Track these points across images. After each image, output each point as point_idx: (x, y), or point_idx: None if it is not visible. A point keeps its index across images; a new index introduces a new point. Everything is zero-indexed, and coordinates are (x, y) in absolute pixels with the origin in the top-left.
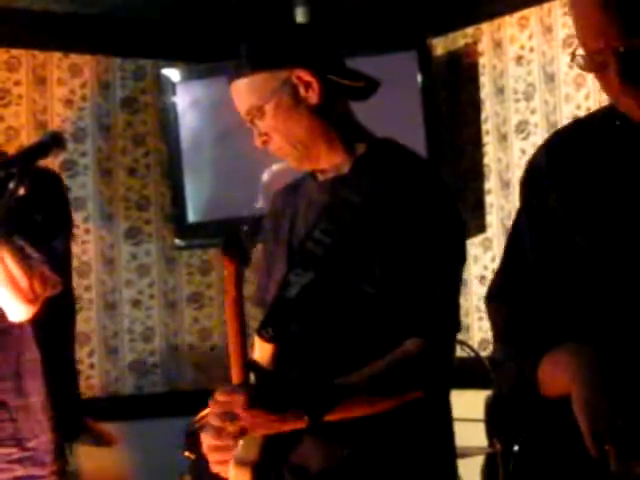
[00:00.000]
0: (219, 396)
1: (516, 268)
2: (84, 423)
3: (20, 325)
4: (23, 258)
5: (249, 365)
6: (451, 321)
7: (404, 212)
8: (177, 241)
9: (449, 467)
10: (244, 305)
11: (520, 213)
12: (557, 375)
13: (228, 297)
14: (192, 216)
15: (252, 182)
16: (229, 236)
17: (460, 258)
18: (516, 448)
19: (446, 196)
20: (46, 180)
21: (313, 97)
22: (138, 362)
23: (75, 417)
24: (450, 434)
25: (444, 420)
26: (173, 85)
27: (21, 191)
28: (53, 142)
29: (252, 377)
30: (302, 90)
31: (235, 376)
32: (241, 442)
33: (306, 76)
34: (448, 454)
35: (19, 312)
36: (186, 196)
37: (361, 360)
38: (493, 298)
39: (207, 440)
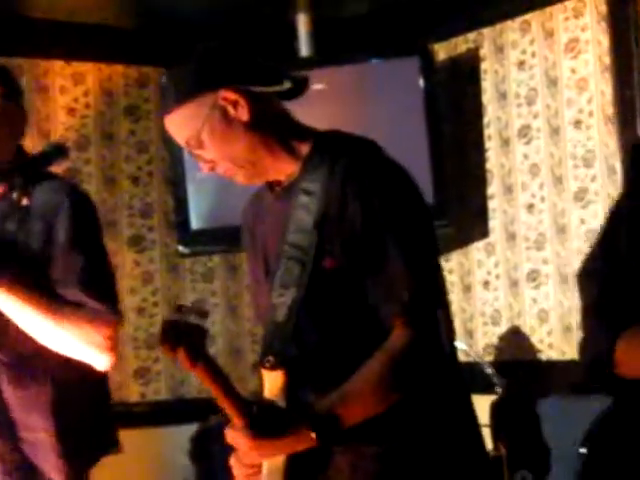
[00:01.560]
0: (229, 440)
1: (612, 248)
2: (115, 437)
3: (42, 355)
4: (81, 315)
5: (243, 405)
6: (434, 306)
7: (362, 202)
8: (180, 248)
9: (478, 466)
10: (213, 360)
11: (623, 196)
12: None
13: (196, 372)
14: (195, 223)
15: (254, 189)
16: (167, 327)
17: (432, 238)
18: (583, 450)
19: (399, 172)
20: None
21: (243, 114)
22: (142, 369)
23: (107, 435)
24: (475, 432)
25: (466, 418)
26: None
27: (24, 201)
28: (56, 152)
29: (254, 410)
30: (231, 110)
31: (236, 422)
32: (264, 470)
33: (230, 95)
34: (475, 453)
35: (103, 362)
36: (189, 203)
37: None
38: (588, 272)
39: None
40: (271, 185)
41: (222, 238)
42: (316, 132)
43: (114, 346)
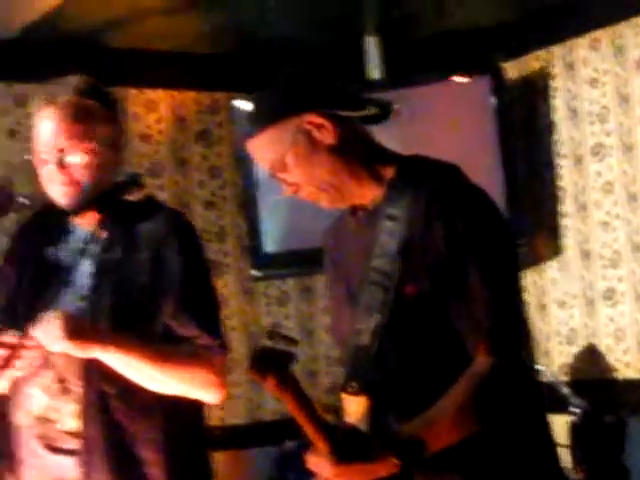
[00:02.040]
0: (311, 465)
1: None
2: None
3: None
4: (191, 358)
5: (327, 430)
6: (517, 332)
7: (446, 226)
8: (254, 272)
9: None
10: (299, 385)
11: None
12: None
13: (283, 398)
14: (269, 247)
15: (328, 212)
16: (257, 354)
17: (514, 263)
18: None
19: (482, 197)
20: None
21: (328, 138)
22: None
23: (208, 465)
24: (553, 456)
25: (544, 440)
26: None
27: (104, 234)
28: (132, 182)
29: (339, 435)
30: (316, 133)
31: (320, 447)
32: None
33: (316, 119)
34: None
35: (215, 398)
36: (262, 227)
37: (443, 386)
38: None
39: None
40: (354, 209)
41: (296, 261)
42: (400, 157)
43: (224, 380)
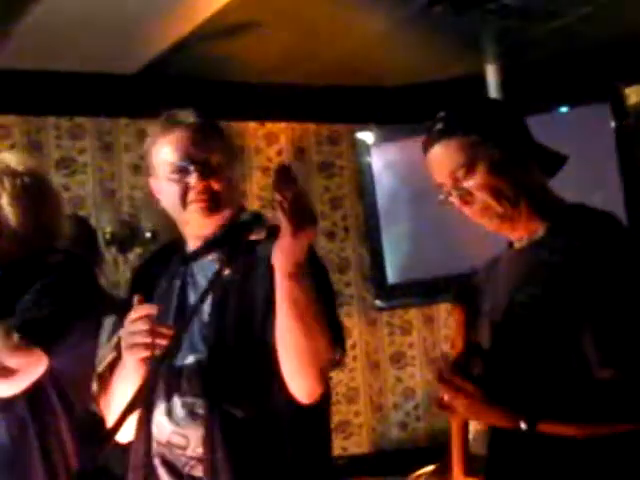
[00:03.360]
0: (457, 381)
1: None
2: None
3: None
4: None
5: (473, 349)
6: None
7: (606, 270)
8: (378, 302)
9: None
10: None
11: None
12: None
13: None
14: (392, 277)
15: (449, 242)
16: (460, 287)
17: None
18: None
19: (638, 245)
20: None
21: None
22: (343, 423)
23: None
24: None
25: None
26: (368, 148)
27: (226, 272)
28: (254, 221)
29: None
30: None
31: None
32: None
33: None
34: None
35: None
36: (385, 257)
37: None
38: None
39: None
40: (510, 244)
41: (418, 291)
42: (566, 203)
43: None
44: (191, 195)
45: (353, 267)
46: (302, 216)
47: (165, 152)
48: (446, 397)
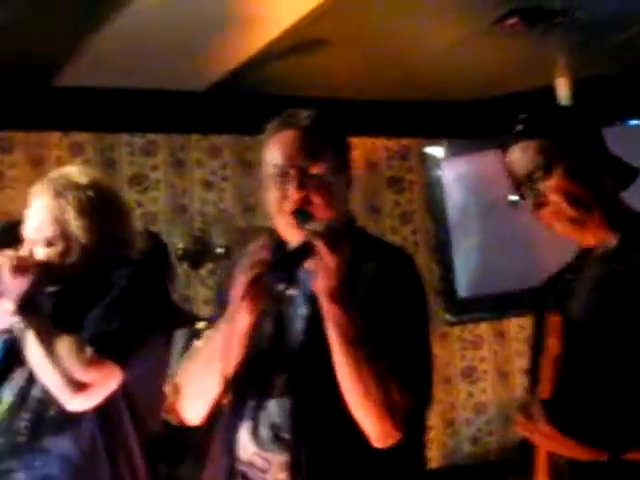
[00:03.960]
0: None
1: None
2: None
3: None
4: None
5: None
6: None
7: None
8: (448, 316)
9: None
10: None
11: None
12: None
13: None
14: (462, 291)
15: (519, 255)
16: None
17: None
18: None
19: None
20: None
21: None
22: None
23: None
24: None
25: None
26: (438, 162)
27: (290, 291)
28: (307, 250)
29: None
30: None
31: (543, 391)
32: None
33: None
34: None
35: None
36: (455, 271)
37: None
38: None
39: None
40: (581, 251)
41: (489, 305)
42: (635, 213)
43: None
44: (286, 204)
45: (424, 281)
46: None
47: (271, 152)
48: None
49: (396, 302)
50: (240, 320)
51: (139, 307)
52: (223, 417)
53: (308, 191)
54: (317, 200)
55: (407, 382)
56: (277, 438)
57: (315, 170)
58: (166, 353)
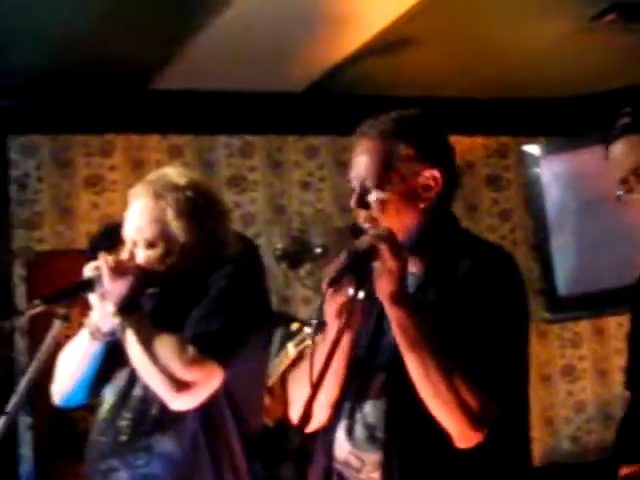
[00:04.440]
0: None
1: None
2: None
3: None
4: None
5: None
6: None
7: None
8: (547, 314)
9: None
10: None
11: None
12: None
13: None
14: (561, 289)
15: (619, 253)
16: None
17: None
18: None
19: None
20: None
21: None
22: None
23: None
24: None
25: None
26: (536, 160)
27: (361, 295)
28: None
29: None
30: None
31: None
32: None
33: None
34: None
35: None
36: (555, 269)
37: None
38: None
39: None
40: None
41: (589, 303)
42: None
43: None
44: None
45: (523, 280)
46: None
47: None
48: None
49: (489, 300)
50: (339, 339)
51: (239, 307)
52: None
53: (362, 208)
54: (378, 217)
55: (485, 383)
56: (372, 438)
57: (368, 184)
58: (265, 354)
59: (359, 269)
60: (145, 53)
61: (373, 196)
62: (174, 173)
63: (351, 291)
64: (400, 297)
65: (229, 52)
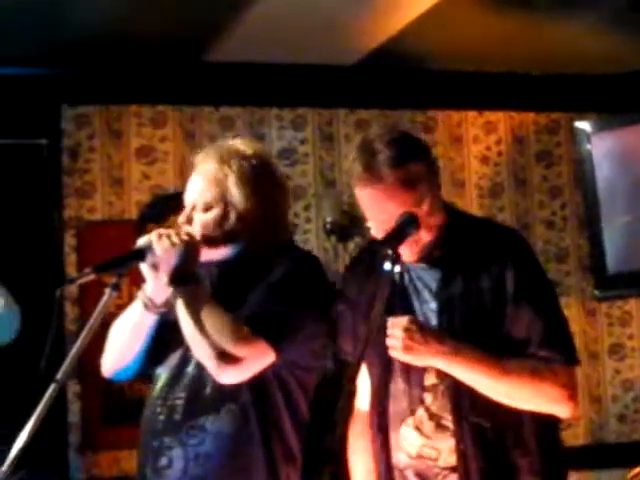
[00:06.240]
0: None
1: None
2: None
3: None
4: (533, 371)
5: None
6: None
7: None
8: (597, 293)
9: None
10: None
11: None
12: None
13: None
14: (612, 267)
15: None
16: None
17: None
18: None
19: None
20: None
21: None
22: None
23: None
24: None
25: None
26: (587, 136)
27: (397, 269)
28: (409, 222)
29: None
30: None
31: None
32: None
33: None
34: None
35: (565, 412)
36: (605, 247)
37: None
38: None
39: None
40: None
41: (639, 282)
42: None
43: (572, 393)
44: None
45: (572, 257)
46: None
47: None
48: None
49: (538, 282)
50: None
51: (301, 294)
52: (357, 424)
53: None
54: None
55: (564, 354)
56: (440, 426)
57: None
58: (326, 335)
59: (395, 242)
60: (198, 25)
61: None
62: (241, 143)
63: (387, 265)
64: (452, 356)
65: (281, 25)
